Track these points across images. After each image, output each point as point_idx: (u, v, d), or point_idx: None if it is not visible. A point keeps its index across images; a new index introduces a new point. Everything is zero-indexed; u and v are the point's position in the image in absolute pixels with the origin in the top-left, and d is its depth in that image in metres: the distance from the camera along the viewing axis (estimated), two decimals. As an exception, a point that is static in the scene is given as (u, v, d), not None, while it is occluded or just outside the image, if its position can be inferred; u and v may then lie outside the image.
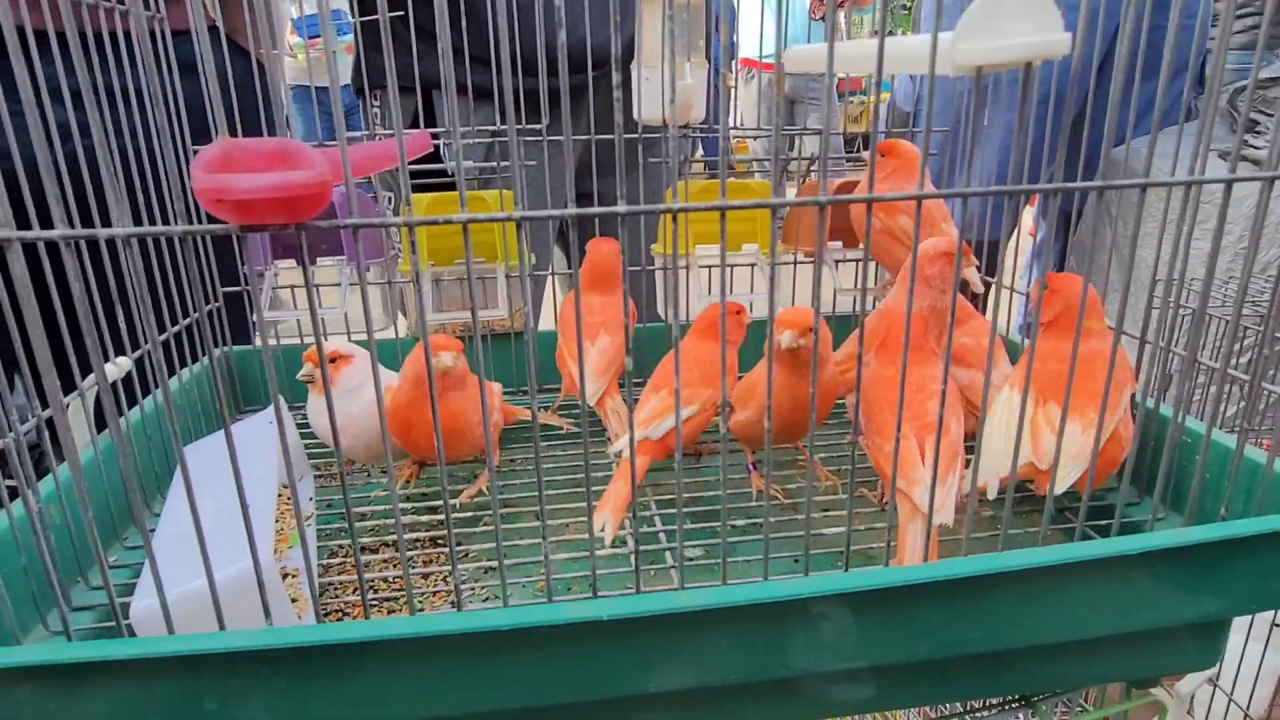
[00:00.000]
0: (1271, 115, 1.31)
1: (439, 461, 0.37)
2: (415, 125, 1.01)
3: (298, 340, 0.83)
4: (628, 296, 0.37)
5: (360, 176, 0.54)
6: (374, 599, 0.55)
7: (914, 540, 0.49)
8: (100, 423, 0.56)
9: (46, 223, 0.34)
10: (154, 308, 0.62)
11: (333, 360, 0.63)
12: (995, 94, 0.96)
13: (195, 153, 0.69)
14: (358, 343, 0.71)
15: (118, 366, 0.55)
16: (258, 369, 0.81)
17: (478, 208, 0.80)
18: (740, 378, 0.67)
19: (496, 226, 0.79)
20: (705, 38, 0.64)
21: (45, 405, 0.38)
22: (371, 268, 0.81)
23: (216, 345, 0.79)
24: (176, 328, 0.67)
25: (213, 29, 0.89)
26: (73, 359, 0.46)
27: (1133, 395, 0.56)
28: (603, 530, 0.53)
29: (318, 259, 0.79)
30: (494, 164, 0.91)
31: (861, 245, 0.77)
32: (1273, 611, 0.81)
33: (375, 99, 0.99)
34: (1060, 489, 0.51)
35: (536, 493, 0.40)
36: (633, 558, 0.44)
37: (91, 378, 0.51)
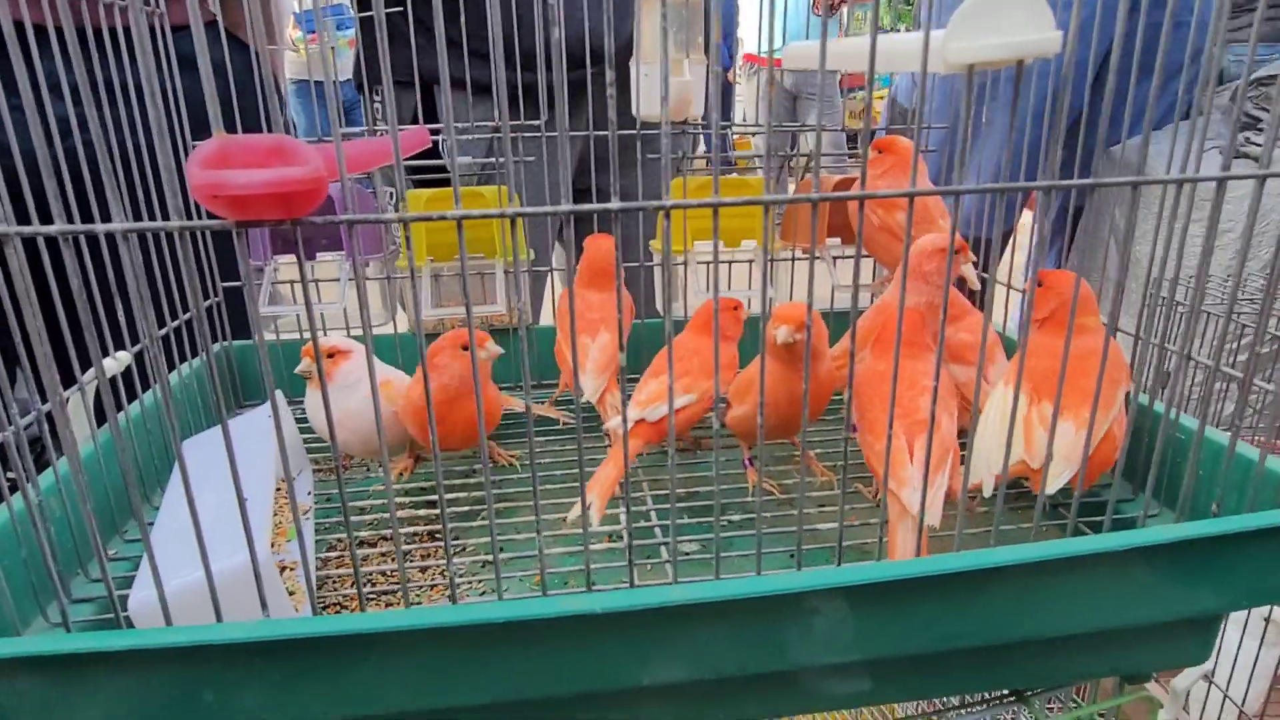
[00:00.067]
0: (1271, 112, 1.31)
1: (449, 451, 0.38)
2: (416, 121, 1.01)
3: (298, 335, 0.83)
4: (621, 292, 0.37)
5: (357, 172, 0.54)
6: (372, 592, 0.55)
7: (904, 538, 0.49)
8: (100, 417, 0.57)
9: (46, 217, 0.34)
10: (154, 302, 0.63)
11: (331, 355, 0.63)
12: (996, 91, 0.96)
13: (195, 147, 0.70)
14: (356, 338, 0.71)
15: (117, 361, 0.56)
16: (258, 363, 0.81)
17: (476, 204, 0.80)
18: (739, 373, 0.67)
19: (495, 222, 0.80)
20: (707, 34, 0.64)
21: (45, 399, 0.39)
22: (370, 263, 0.81)
23: (216, 340, 0.79)
24: (176, 322, 0.68)
25: (213, 24, 0.89)
26: (73, 353, 0.46)
27: (1128, 393, 0.56)
28: (590, 508, 0.53)
29: (317, 254, 0.79)
30: (495, 160, 0.91)
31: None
32: (1268, 608, 0.81)
33: (376, 94, 1.00)
34: (1053, 489, 0.51)
35: (534, 487, 0.40)
36: (627, 552, 0.44)
37: (91, 372, 0.51)
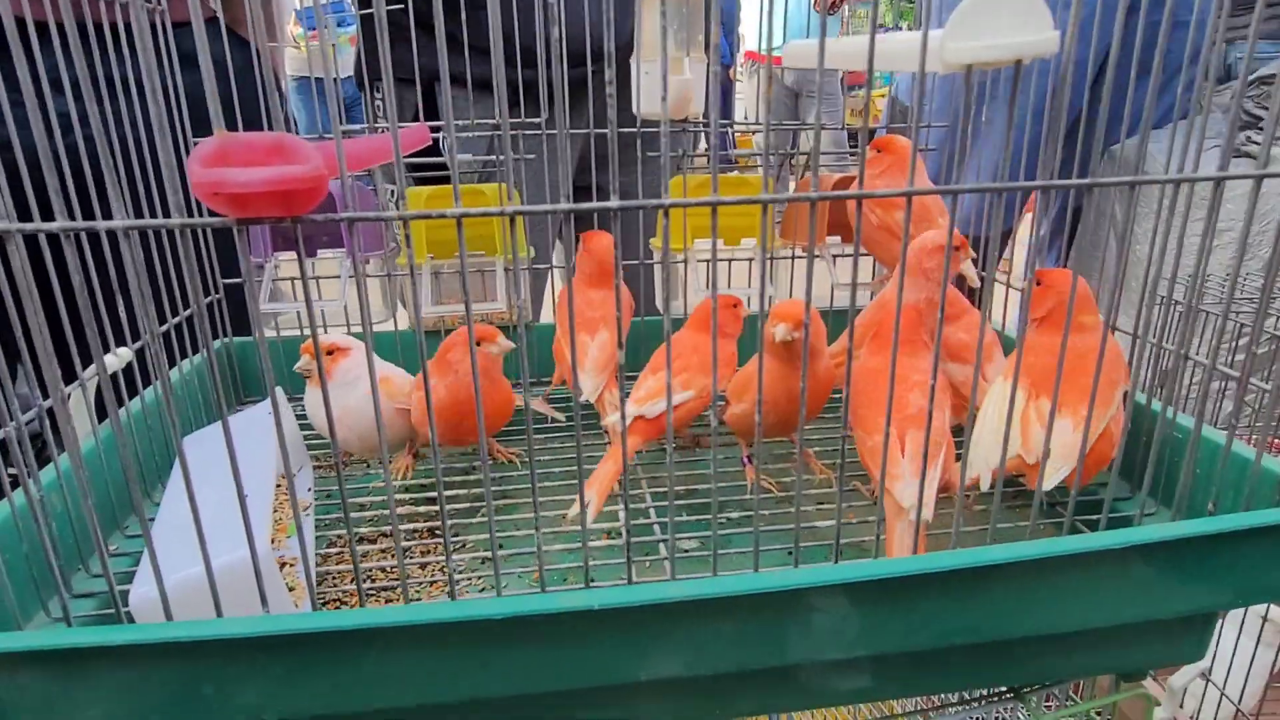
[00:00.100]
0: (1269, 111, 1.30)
1: (464, 445, 0.38)
2: (417, 118, 1.01)
3: (298, 332, 0.84)
4: (619, 290, 0.37)
5: (357, 170, 0.54)
6: (372, 588, 0.55)
7: (900, 535, 0.49)
8: (101, 413, 0.57)
9: (47, 212, 0.34)
10: (155, 299, 0.63)
11: (330, 353, 0.63)
12: (997, 90, 0.96)
13: (196, 144, 0.70)
14: (356, 335, 0.71)
15: (118, 357, 0.56)
16: (259, 360, 0.81)
17: (477, 201, 0.80)
18: (737, 370, 0.67)
19: (495, 219, 0.80)
20: (708, 32, 0.64)
21: (47, 395, 0.39)
22: (371, 260, 0.81)
23: (217, 337, 0.79)
24: (177, 319, 0.68)
25: (213, 20, 0.89)
26: (74, 349, 0.46)
27: (1126, 392, 0.56)
28: (588, 505, 0.53)
29: (318, 251, 0.79)
30: (495, 157, 0.91)
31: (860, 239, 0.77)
32: (1264, 607, 0.81)
33: (377, 91, 1.00)
34: (1049, 485, 0.51)
35: (532, 484, 0.40)
36: (625, 549, 0.44)
37: (92, 368, 0.52)
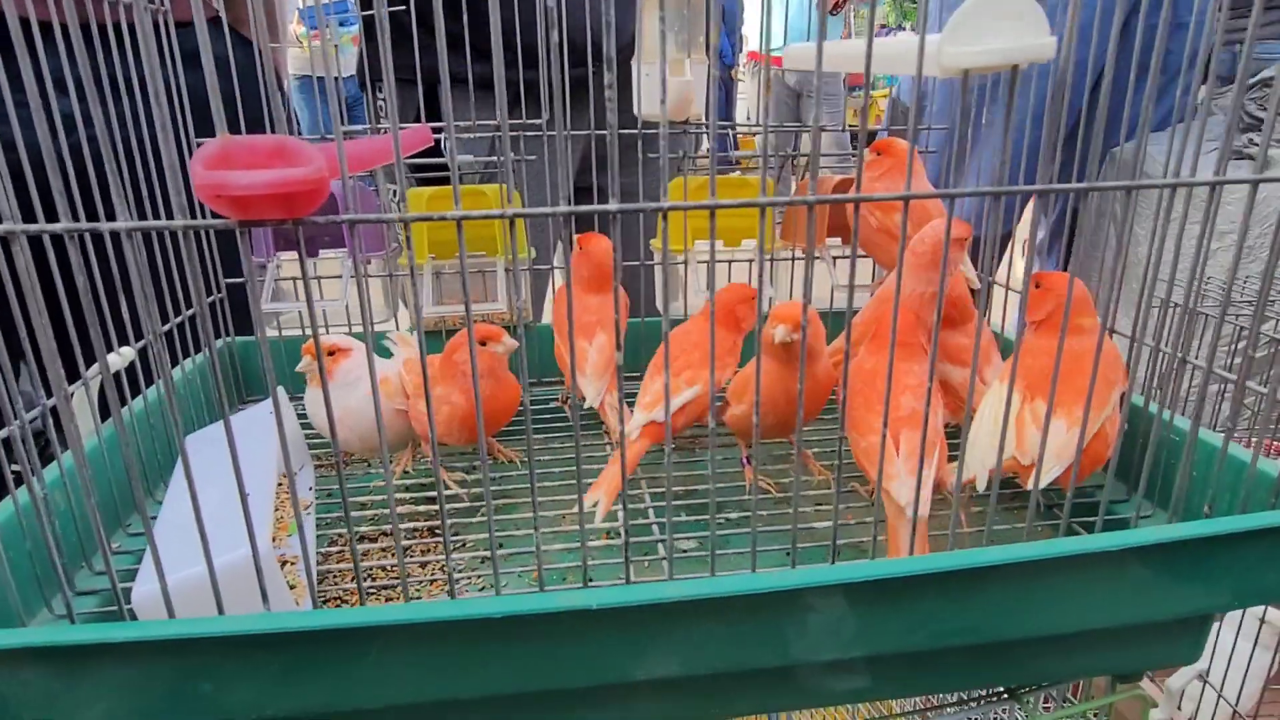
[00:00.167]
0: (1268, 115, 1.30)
1: (472, 443, 0.38)
2: (419, 118, 1.02)
3: (300, 331, 0.84)
4: (618, 292, 0.38)
5: (359, 171, 0.54)
6: (372, 587, 0.56)
7: (903, 536, 0.49)
8: (104, 411, 0.57)
9: (50, 210, 0.34)
10: (157, 298, 0.63)
11: (332, 353, 0.64)
12: (998, 92, 0.96)
13: (199, 145, 0.70)
14: (358, 335, 0.72)
15: (121, 356, 0.56)
16: (261, 360, 0.82)
17: (478, 202, 0.81)
18: (739, 369, 0.67)
19: (496, 220, 0.80)
20: (708, 35, 0.65)
21: (50, 394, 0.39)
22: (372, 260, 0.81)
23: (219, 336, 0.80)
24: (179, 318, 0.68)
25: (216, 20, 0.89)
26: (77, 348, 0.47)
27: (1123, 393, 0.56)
28: (594, 507, 0.53)
29: (320, 251, 0.79)
30: (497, 158, 0.91)
31: (859, 242, 0.78)
32: (1262, 609, 0.81)
33: (379, 91, 1.00)
34: (1042, 483, 0.51)
35: (531, 484, 0.40)
36: (624, 549, 0.45)
37: (95, 367, 0.52)
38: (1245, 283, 1.03)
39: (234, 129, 0.33)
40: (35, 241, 0.35)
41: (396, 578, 0.56)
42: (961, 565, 0.40)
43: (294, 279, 0.79)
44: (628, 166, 0.96)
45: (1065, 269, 1.37)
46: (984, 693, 0.54)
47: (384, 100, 0.96)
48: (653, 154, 0.89)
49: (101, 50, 0.58)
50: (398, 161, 0.35)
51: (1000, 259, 0.82)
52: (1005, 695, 0.53)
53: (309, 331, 0.83)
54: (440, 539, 0.61)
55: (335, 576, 0.57)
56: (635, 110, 0.72)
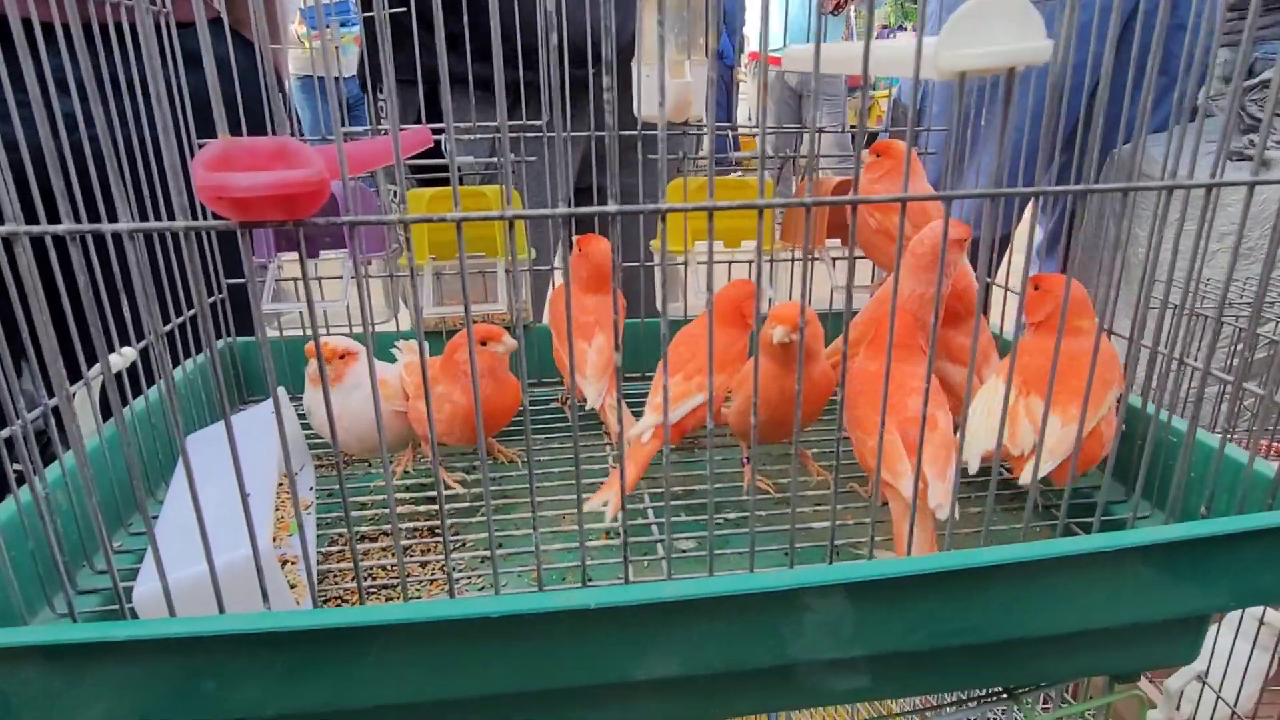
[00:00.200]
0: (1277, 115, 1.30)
1: (472, 444, 0.38)
2: (420, 119, 1.02)
3: (301, 332, 0.84)
4: (617, 293, 0.38)
5: (359, 173, 0.55)
6: (373, 586, 0.56)
7: (907, 535, 0.50)
8: (106, 411, 0.57)
9: (52, 209, 0.35)
10: (159, 299, 0.63)
11: (342, 356, 0.64)
12: (998, 93, 0.96)
13: (200, 145, 0.70)
14: (359, 336, 0.72)
15: (123, 357, 0.57)
16: (261, 360, 0.82)
17: (479, 203, 0.81)
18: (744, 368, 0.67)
19: (496, 221, 0.80)
20: (714, 34, 0.65)
21: (52, 394, 0.39)
22: (373, 261, 0.82)
23: (220, 337, 0.80)
24: (180, 319, 0.69)
25: (217, 21, 0.90)
26: (79, 348, 0.47)
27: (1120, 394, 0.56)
28: (604, 507, 0.54)
29: (321, 251, 0.80)
30: (497, 159, 0.91)
31: (859, 244, 0.78)
32: (1261, 609, 0.81)
33: (380, 92, 1.00)
34: (1040, 474, 0.51)
35: (530, 485, 0.41)
36: (623, 549, 0.45)
37: (97, 367, 0.52)
38: (1246, 284, 1.03)
39: (235, 130, 0.34)
40: (37, 242, 0.35)
41: (396, 577, 0.57)
42: (958, 566, 0.40)
43: (294, 279, 0.79)
44: (628, 167, 0.96)
45: (1064, 271, 1.37)
46: (982, 693, 0.54)
47: (384, 101, 0.96)
48: (653, 155, 0.89)
49: (103, 50, 0.59)
50: (398, 163, 0.35)
51: (999, 261, 0.82)
52: (1003, 695, 0.53)
53: (310, 332, 0.83)
54: (440, 539, 0.61)
55: (336, 576, 0.58)
56: (635, 111, 0.72)
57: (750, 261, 0.82)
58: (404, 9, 0.81)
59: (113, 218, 0.34)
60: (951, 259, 0.62)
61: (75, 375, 0.50)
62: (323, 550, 0.59)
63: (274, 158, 0.31)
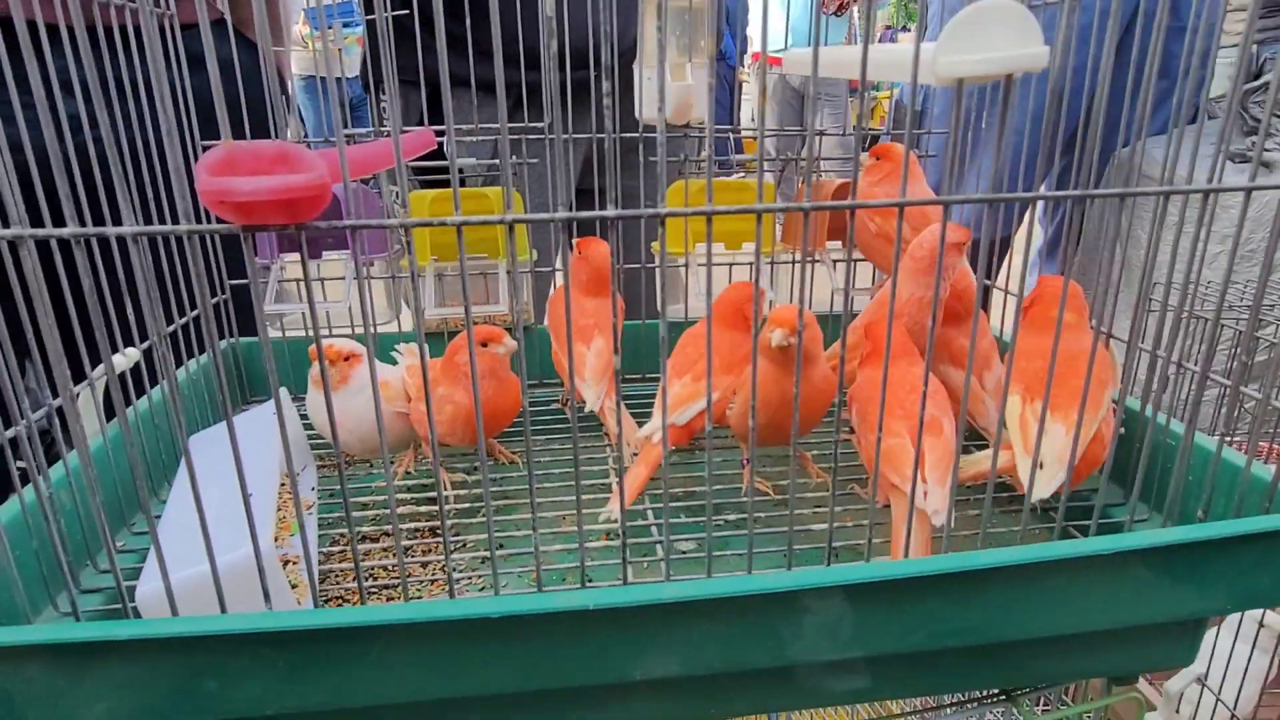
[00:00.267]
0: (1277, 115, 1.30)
1: (473, 444, 0.39)
2: (422, 120, 1.02)
3: (304, 332, 0.85)
4: (615, 296, 0.38)
5: (360, 176, 0.55)
6: (374, 586, 0.56)
7: (904, 537, 0.50)
8: (109, 412, 0.58)
9: (56, 209, 0.35)
10: (162, 300, 0.64)
11: (346, 359, 0.64)
12: (998, 95, 0.96)
13: (204, 148, 0.71)
14: (360, 338, 0.72)
15: (126, 357, 0.57)
16: (264, 360, 0.82)
17: (480, 204, 0.81)
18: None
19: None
20: (712, 39, 0.65)
21: (56, 394, 0.40)
22: (375, 262, 0.82)
23: (223, 337, 0.80)
24: (184, 320, 0.69)
25: (220, 22, 0.90)
26: (83, 349, 0.47)
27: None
28: (612, 517, 0.54)
29: (323, 252, 0.80)
30: (499, 161, 0.92)
31: (858, 246, 0.78)
32: (1260, 611, 0.81)
33: (383, 94, 1.00)
34: (1047, 493, 0.51)
35: (530, 485, 0.41)
36: (622, 550, 0.45)
37: (101, 368, 0.53)
38: (1246, 286, 1.03)
39: (239, 132, 0.34)
40: (42, 243, 0.35)
41: (397, 577, 0.57)
42: (957, 568, 0.40)
43: (297, 280, 0.79)
44: (629, 169, 0.96)
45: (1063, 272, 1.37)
46: (980, 694, 0.55)
47: (386, 102, 0.96)
48: (654, 158, 0.89)
49: (108, 52, 0.59)
50: (399, 166, 0.36)
51: (1000, 264, 0.82)
52: (1001, 697, 0.53)
53: (313, 333, 0.83)
54: (442, 539, 0.62)
55: (337, 576, 0.58)
56: (637, 114, 0.72)
57: (750, 263, 0.83)
58: (406, 11, 0.81)
59: (117, 219, 0.35)
60: (951, 262, 0.63)
61: (79, 375, 0.50)
62: (324, 550, 0.59)
63: (276, 162, 0.31)
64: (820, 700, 0.48)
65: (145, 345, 0.59)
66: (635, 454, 0.62)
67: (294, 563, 0.56)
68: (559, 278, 1.01)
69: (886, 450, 0.53)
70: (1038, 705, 0.83)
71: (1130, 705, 0.54)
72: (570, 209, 0.39)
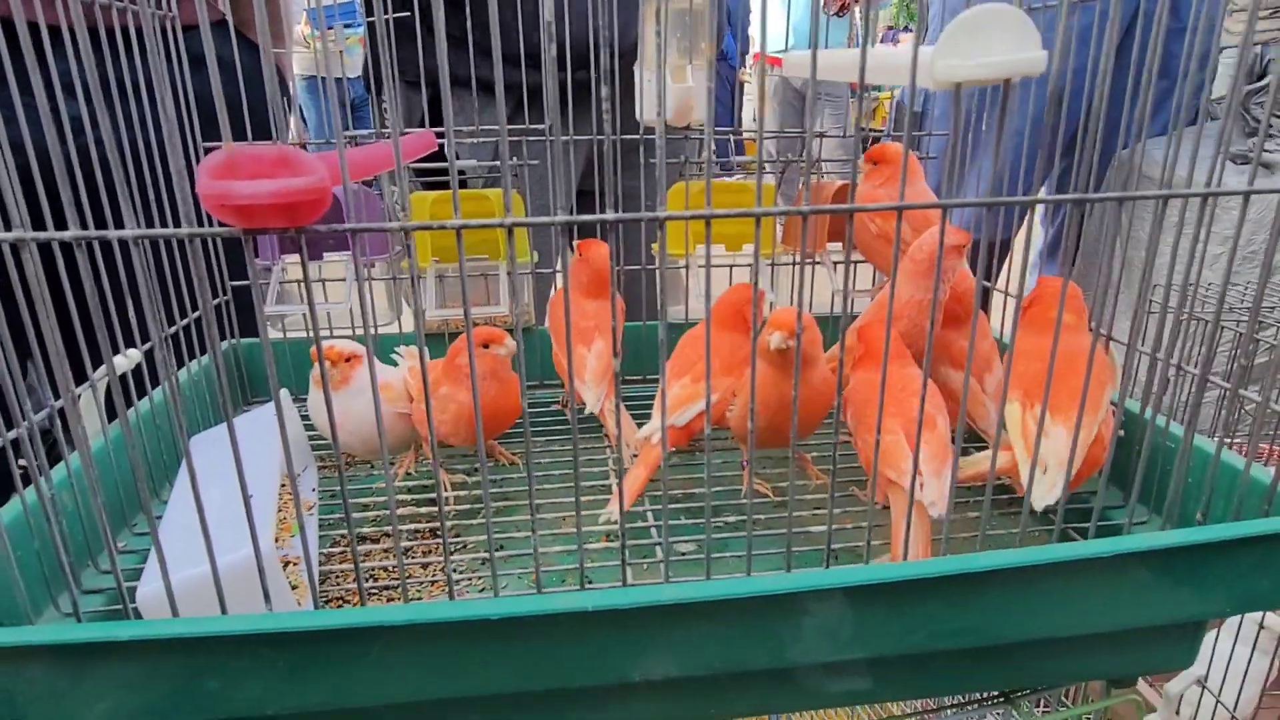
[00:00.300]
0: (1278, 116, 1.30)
1: (451, 451, 0.39)
2: (424, 122, 1.02)
3: (305, 333, 0.85)
4: (615, 298, 0.38)
5: (361, 179, 0.55)
6: (374, 587, 0.56)
7: (904, 535, 0.50)
8: (111, 413, 0.58)
9: (58, 211, 0.35)
10: (164, 301, 0.64)
11: (347, 360, 0.64)
12: (998, 98, 0.96)
13: (206, 149, 0.71)
14: (361, 339, 0.72)
15: (128, 359, 0.57)
16: (265, 362, 0.83)
17: (481, 206, 0.81)
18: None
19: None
20: (719, 37, 0.65)
21: (58, 395, 0.40)
22: (377, 263, 0.82)
23: (225, 338, 0.80)
24: (185, 321, 0.69)
25: (222, 23, 0.90)
26: (84, 350, 0.47)
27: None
28: (611, 519, 0.54)
29: (325, 254, 0.80)
30: (500, 163, 0.92)
31: (859, 248, 0.78)
32: (1260, 614, 0.81)
33: (384, 95, 1.01)
34: (1051, 499, 0.51)
35: (529, 487, 0.41)
36: (620, 551, 0.45)
37: (102, 369, 0.53)
38: (1247, 288, 1.03)
39: (240, 133, 0.34)
40: (44, 245, 0.35)
41: (398, 578, 0.57)
42: (952, 571, 0.40)
43: (298, 281, 0.80)
44: (631, 169, 0.96)
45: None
46: (980, 696, 0.55)
47: (388, 103, 0.97)
48: (654, 160, 0.89)
49: (110, 54, 0.59)
50: (398, 170, 0.36)
51: (1000, 266, 0.82)
52: (1000, 699, 0.54)
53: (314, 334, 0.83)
54: (440, 540, 0.62)
55: (337, 577, 0.58)
56: (638, 115, 0.72)
57: (749, 265, 0.83)
58: (407, 14, 0.82)
59: (119, 219, 0.35)
60: (951, 264, 0.63)
61: (81, 376, 0.51)
62: (325, 551, 0.59)
63: (277, 165, 0.31)
64: (820, 701, 0.48)
65: (147, 346, 0.59)
66: (635, 455, 0.62)
67: (294, 564, 0.56)
68: (560, 279, 1.02)
69: (883, 447, 0.53)
70: (1037, 707, 0.83)
71: (1129, 707, 0.54)
72: (571, 211, 0.39)
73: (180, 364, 0.70)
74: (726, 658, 0.41)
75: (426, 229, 0.34)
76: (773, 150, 1.11)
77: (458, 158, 0.99)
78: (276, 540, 0.56)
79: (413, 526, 0.64)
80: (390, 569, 0.58)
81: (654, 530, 0.60)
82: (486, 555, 0.59)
